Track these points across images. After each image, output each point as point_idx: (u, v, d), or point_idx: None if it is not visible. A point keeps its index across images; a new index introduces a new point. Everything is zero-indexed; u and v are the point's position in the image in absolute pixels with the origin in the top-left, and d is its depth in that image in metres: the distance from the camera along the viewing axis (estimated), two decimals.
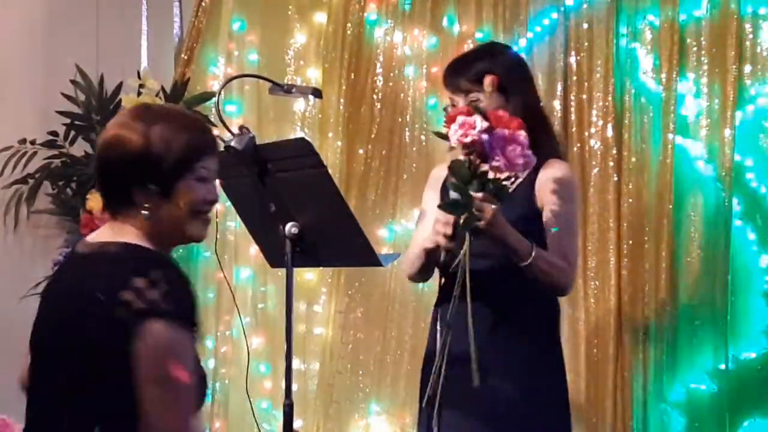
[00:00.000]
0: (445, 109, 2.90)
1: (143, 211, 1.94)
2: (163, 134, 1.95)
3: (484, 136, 2.40)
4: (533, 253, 2.60)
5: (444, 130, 2.56)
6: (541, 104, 2.94)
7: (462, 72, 2.79)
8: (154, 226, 1.96)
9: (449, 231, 2.54)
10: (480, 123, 2.40)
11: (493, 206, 2.48)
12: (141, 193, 1.94)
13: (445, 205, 2.52)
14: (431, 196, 2.89)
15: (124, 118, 2.01)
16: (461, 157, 2.45)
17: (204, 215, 2.00)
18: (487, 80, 2.62)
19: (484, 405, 2.66)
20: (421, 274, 2.89)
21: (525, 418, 2.69)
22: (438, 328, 2.73)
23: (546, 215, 2.72)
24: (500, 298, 2.70)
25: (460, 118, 2.42)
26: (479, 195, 2.46)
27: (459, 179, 2.46)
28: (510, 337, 2.71)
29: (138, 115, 1.99)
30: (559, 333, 2.85)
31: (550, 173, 2.73)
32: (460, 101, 2.76)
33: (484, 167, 2.46)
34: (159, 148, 1.94)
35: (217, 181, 2.06)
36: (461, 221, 2.47)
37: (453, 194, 2.52)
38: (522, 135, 2.43)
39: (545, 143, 2.73)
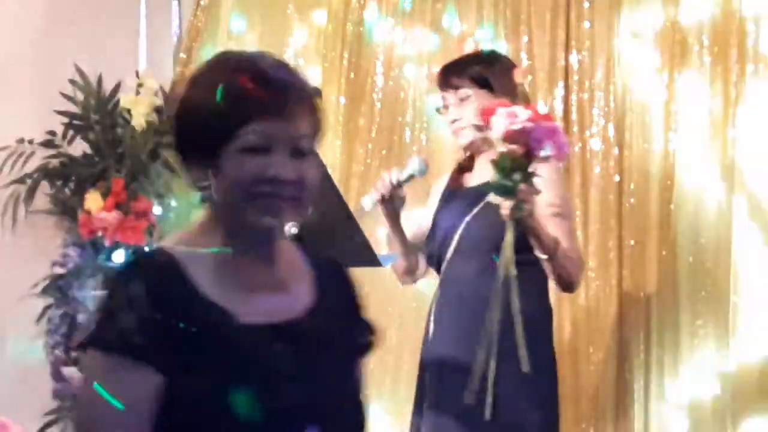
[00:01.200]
0: (437, 110, 2.98)
1: (200, 192, 1.53)
2: (204, 84, 1.51)
3: (530, 125, 2.43)
4: (559, 247, 2.71)
5: (473, 122, 2.75)
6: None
7: (455, 71, 2.94)
8: (214, 212, 1.54)
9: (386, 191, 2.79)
10: (524, 112, 2.44)
11: (533, 196, 2.58)
12: (193, 167, 1.53)
13: (495, 186, 2.55)
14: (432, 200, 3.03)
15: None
16: (501, 149, 2.48)
17: (264, 198, 1.49)
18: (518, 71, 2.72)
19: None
20: (407, 273, 3.03)
21: (516, 414, 2.76)
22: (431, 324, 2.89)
23: (546, 210, 2.77)
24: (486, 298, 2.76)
25: (502, 109, 2.47)
26: (523, 186, 2.54)
27: (503, 170, 2.52)
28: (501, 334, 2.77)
29: (212, 57, 1.58)
30: (551, 330, 2.95)
31: (546, 168, 2.77)
32: (450, 98, 2.90)
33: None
34: (195, 103, 1.51)
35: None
36: (507, 210, 2.55)
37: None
38: (558, 126, 2.49)
39: None
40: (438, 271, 2.92)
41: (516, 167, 2.49)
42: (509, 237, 2.57)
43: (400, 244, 2.94)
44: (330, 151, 4.15)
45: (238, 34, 4.32)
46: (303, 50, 4.28)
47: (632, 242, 3.76)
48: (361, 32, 4.18)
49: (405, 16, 4.15)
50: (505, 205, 2.53)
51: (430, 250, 2.93)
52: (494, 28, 3.99)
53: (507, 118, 2.45)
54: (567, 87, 3.89)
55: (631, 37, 3.82)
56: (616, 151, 3.79)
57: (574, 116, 3.86)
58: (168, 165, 4.26)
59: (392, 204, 2.89)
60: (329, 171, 2.57)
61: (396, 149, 4.08)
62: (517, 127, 2.45)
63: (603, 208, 3.79)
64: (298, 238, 2.46)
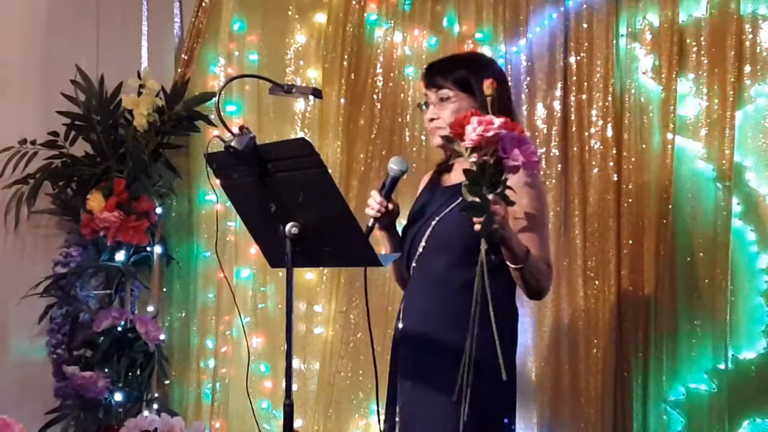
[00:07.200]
0: (419, 106, 2.98)
1: None
2: None
3: (503, 131, 2.40)
4: (529, 256, 2.68)
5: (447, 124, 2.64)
6: (514, 114, 2.97)
7: (441, 69, 2.90)
8: None
9: (382, 207, 2.85)
10: (498, 120, 2.41)
11: (505, 207, 2.51)
12: None
13: (466, 207, 2.51)
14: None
15: None
16: (472, 159, 2.45)
17: None
18: (487, 83, 2.61)
19: (435, 387, 2.75)
20: (402, 278, 3.04)
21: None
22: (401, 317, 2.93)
23: (517, 220, 2.75)
24: (456, 291, 2.76)
25: (475, 118, 2.42)
26: (491, 197, 2.47)
27: (472, 181, 2.45)
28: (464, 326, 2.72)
29: None
30: (516, 326, 2.91)
31: (516, 178, 2.72)
32: (432, 96, 2.88)
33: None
34: None
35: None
36: (479, 224, 2.47)
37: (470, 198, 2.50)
38: (528, 136, 2.46)
39: None
40: (408, 266, 2.95)
41: (488, 177, 2.43)
42: (482, 252, 2.46)
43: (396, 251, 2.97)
44: (330, 151, 4.17)
45: (239, 35, 4.34)
46: (303, 51, 4.30)
47: (630, 242, 3.78)
48: (361, 33, 4.20)
49: (405, 18, 4.17)
50: (477, 220, 2.50)
51: (405, 245, 2.96)
52: (493, 30, 4.01)
53: (479, 125, 2.41)
54: (566, 88, 3.90)
55: (630, 37, 3.84)
56: (614, 151, 3.80)
57: (573, 116, 3.88)
58: (169, 165, 4.28)
59: (388, 218, 2.91)
60: (329, 171, 2.58)
61: (396, 149, 4.09)
62: (489, 134, 2.40)
63: (601, 208, 3.81)
64: (299, 238, 2.49)
